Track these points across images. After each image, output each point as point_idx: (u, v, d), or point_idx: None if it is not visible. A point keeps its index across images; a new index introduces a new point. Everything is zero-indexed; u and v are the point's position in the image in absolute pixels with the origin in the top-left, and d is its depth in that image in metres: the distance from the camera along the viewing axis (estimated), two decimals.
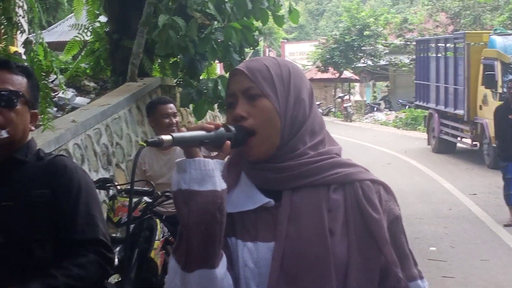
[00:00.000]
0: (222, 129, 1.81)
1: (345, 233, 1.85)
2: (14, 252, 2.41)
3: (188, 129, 1.78)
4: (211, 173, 1.75)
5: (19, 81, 2.52)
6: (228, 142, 1.80)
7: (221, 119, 13.59)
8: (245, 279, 1.85)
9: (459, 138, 18.52)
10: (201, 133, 1.77)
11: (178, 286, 1.81)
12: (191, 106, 9.68)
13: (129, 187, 5.33)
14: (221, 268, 1.80)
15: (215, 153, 1.82)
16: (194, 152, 1.77)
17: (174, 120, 5.58)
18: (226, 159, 1.87)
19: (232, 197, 1.89)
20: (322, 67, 38.22)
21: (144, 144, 1.70)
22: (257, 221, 1.88)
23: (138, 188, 5.24)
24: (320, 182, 1.88)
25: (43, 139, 5.70)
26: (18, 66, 2.59)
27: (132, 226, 5.01)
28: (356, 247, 1.85)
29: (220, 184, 1.77)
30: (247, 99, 1.88)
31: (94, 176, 6.58)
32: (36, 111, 2.61)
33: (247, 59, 9.68)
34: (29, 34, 7.92)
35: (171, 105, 5.67)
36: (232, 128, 1.83)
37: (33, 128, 2.61)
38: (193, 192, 1.74)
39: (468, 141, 17.81)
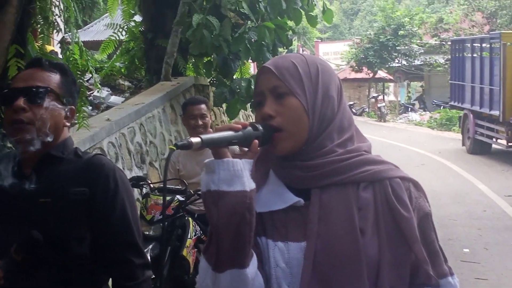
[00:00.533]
0: (249, 128, 1.81)
1: (376, 232, 1.85)
2: (51, 249, 2.43)
3: (216, 130, 1.78)
4: (240, 173, 1.75)
5: (50, 78, 2.54)
6: (256, 141, 1.80)
7: (253, 118, 13.62)
8: (276, 279, 1.85)
9: (494, 139, 18.30)
10: (229, 133, 1.77)
11: (209, 286, 1.82)
12: (224, 105, 9.71)
13: (162, 185, 5.37)
14: (252, 268, 1.80)
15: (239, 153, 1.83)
16: (223, 152, 1.77)
17: (200, 122, 5.59)
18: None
19: (261, 196, 1.89)
20: (356, 67, 38.01)
21: (174, 148, 1.71)
22: (287, 221, 1.88)
23: (171, 186, 5.28)
24: (349, 180, 1.88)
25: (78, 137, 5.76)
26: (52, 63, 2.60)
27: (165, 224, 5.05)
28: (386, 245, 1.84)
29: (249, 184, 1.77)
30: (275, 98, 1.88)
31: (128, 174, 6.64)
32: (72, 107, 2.61)
33: None
34: (65, 33, 7.99)
35: (201, 106, 5.68)
36: (260, 127, 1.83)
37: (68, 124, 2.61)
38: (222, 193, 1.74)
39: (504, 142, 17.57)
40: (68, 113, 2.59)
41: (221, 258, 1.77)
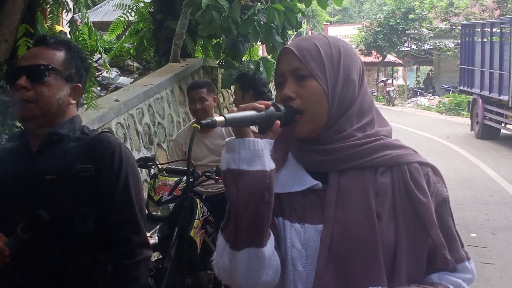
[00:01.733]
0: (272, 108, 1.81)
1: (393, 217, 1.85)
2: (57, 227, 2.44)
3: (240, 109, 1.78)
4: (261, 153, 1.76)
5: (54, 55, 2.53)
6: (278, 122, 1.80)
7: None
8: (292, 260, 1.87)
9: (503, 124, 18.24)
10: (252, 113, 1.77)
11: (226, 264, 1.83)
12: (232, 87, 9.70)
13: (170, 166, 5.39)
14: (269, 247, 1.82)
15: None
16: (245, 132, 1.77)
17: (198, 106, 5.66)
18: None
19: (279, 177, 1.90)
20: (365, 51, 37.88)
21: (198, 127, 1.71)
22: (304, 203, 1.89)
23: (179, 167, 5.30)
24: (368, 164, 1.88)
25: (87, 118, 5.78)
26: (57, 40, 2.59)
27: (172, 205, 5.06)
28: (404, 230, 1.85)
29: (269, 164, 1.77)
30: (296, 80, 1.88)
31: (136, 155, 6.65)
32: (77, 84, 2.60)
33: (289, 41, 9.57)
34: (74, 13, 7.99)
35: (201, 89, 5.72)
36: (282, 107, 1.83)
37: (73, 101, 2.59)
38: (242, 172, 1.75)
39: None
40: (73, 90, 2.59)
41: (239, 236, 1.79)
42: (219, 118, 1.71)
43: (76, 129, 2.59)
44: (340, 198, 1.86)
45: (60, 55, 2.55)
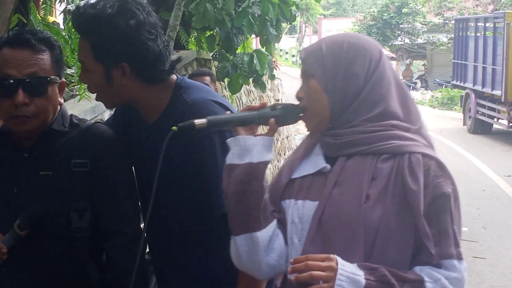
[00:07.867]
0: (267, 108, 2.01)
1: (382, 200, 1.92)
2: (52, 222, 2.43)
3: (242, 110, 2.00)
4: (250, 148, 2.00)
5: (44, 60, 2.41)
6: (272, 119, 1.99)
7: (255, 93, 13.55)
8: (290, 234, 2.01)
9: (495, 119, 18.29)
10: (242, 113, 1.99)
11: (233, 250, 2.09)
12: (226, 80, 9.69)
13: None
14: (265, 232, 2.01)
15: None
16: (236, 131, 2.03)
17: None
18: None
19: (301, 165, 2.09)
20: None
21: (176, 129, 1.74)
22: (312, 183, 2.03)
23: None
24: (371, 151, 1.97)
25: (80, 109, 5.74)
26: (39, 40, 2.43)
27: None
28: (393, 214, 1.91)
29: (258, 158, 2.01)
30: (304, 81, 2.05)
31: None
32: (62, 80, 2.52)
33: (283, 34, 9.53)
34: (67, 4, 7.96)
35: (205, 77, 5.82)
36: (278, 107, 2.02)
37: (61, 99, 2.52)
38: (233, 165, 2.01)
39: (505, 122, 17.57)
40: (59, 88, 2.51)
41: (234, 223, 2.05)
42: (199, 121, 1.77)
43: (67, 122, 2.54)
44: (340, 180, 1.97)
45: (48, 58, 2.43)
